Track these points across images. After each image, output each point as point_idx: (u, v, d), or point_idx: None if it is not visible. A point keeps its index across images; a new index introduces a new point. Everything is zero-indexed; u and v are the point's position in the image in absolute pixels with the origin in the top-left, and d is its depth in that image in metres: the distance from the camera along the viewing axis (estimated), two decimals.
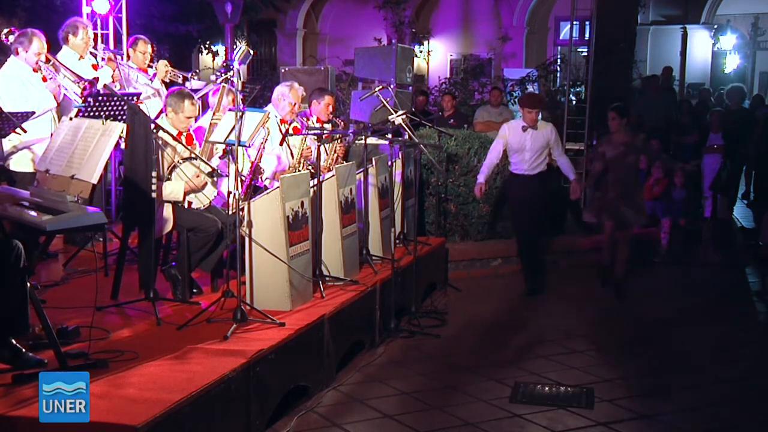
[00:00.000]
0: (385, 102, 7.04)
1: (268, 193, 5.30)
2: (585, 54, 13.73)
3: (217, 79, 6.85)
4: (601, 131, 12.01)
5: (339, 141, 6.75)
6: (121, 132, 4.61)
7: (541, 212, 7.67)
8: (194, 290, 5.54)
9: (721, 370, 5.85)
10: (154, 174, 4.93)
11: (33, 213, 3.97)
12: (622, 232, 7.63)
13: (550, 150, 7.56)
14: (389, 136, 6.86)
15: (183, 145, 5.33)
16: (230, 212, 5.28)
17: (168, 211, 5.29)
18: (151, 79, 7.35)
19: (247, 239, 5.15)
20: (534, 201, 7.52)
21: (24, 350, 3.97)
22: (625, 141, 7.56)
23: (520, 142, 7.45)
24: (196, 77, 7.75)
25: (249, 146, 5.26)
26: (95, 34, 8.26)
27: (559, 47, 19.78)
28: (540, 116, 7.50)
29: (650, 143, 8.97)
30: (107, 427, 3.40)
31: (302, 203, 5.46)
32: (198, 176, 5.34)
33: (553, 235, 8.88)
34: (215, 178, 5.45)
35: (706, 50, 20.21)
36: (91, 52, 6.93)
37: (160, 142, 5.10)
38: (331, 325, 5.24)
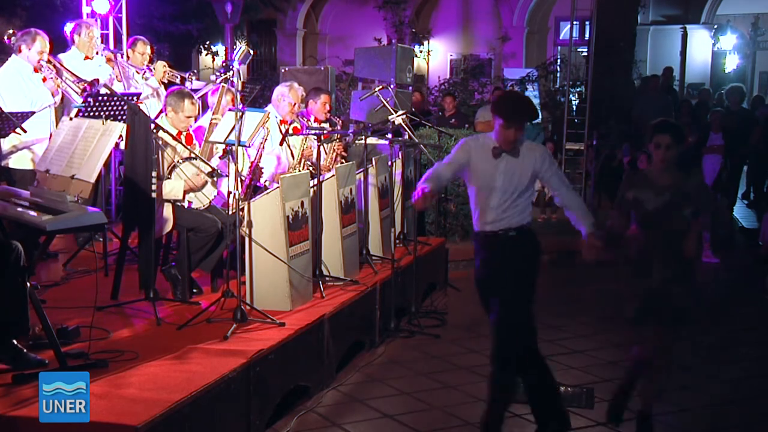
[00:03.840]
0: (385, 102, 7.04)
1: (268, 193, 5.30)
2: (585, 54, 13.76)
3: (216, 79, 6.85)
4: (601, 131, 12.04)
5: (337, 139, 6.75)
6: (121, 132, 4.61)
7: (528, 294, 4.36)
8: (194, 290, 5.54)
9: (721, 370, 5.85)
10: (154, 174, 4.93)
11: (33, 213, 3.97)
12: (664, 329, 4.66)
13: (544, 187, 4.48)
14: (389, 136, 6.87)
15: (183, 144, 5.33)
16: (230, 212, 5.28)
17: (168, 211, 5.28)
18: (146, 78, 7.31)
19: (247, 239, 5.15)
20: (512, 277, 4.29)
21: (24, 350, 3.97)
22: (670, 184, 4.47)
23: (486, 174, 4.28)
24: (194, 77, 7.75)
25: (249, 146, 5.26)
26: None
27: (559, 47, 19.77)
28: (524, 135, 4.31)
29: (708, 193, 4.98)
30: (107, 427, 3.40)
31: (302, 203, 5.46)
32: (198, 176, 5.34)
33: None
34: (215, 178, 5.45)
35: (706, 50, 20.21)
36: (97, 52, 6.96)
37: (160, 141, 5.11)
38: (331, 325, 5.23)
